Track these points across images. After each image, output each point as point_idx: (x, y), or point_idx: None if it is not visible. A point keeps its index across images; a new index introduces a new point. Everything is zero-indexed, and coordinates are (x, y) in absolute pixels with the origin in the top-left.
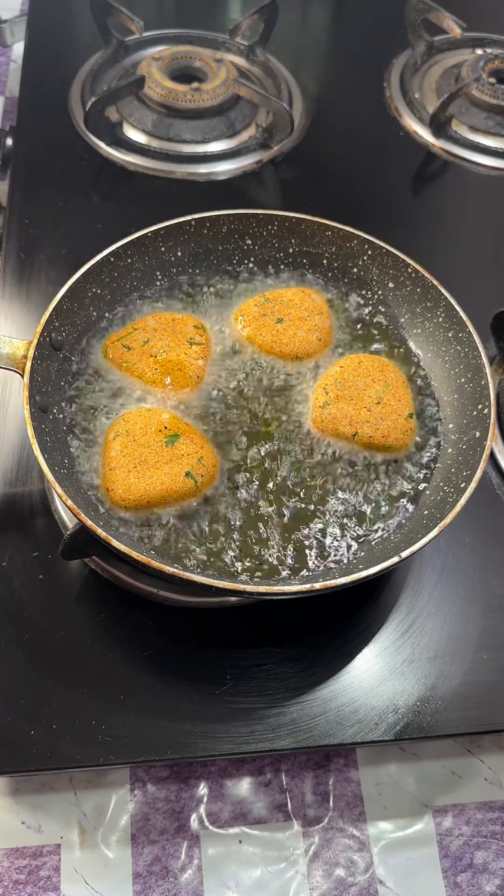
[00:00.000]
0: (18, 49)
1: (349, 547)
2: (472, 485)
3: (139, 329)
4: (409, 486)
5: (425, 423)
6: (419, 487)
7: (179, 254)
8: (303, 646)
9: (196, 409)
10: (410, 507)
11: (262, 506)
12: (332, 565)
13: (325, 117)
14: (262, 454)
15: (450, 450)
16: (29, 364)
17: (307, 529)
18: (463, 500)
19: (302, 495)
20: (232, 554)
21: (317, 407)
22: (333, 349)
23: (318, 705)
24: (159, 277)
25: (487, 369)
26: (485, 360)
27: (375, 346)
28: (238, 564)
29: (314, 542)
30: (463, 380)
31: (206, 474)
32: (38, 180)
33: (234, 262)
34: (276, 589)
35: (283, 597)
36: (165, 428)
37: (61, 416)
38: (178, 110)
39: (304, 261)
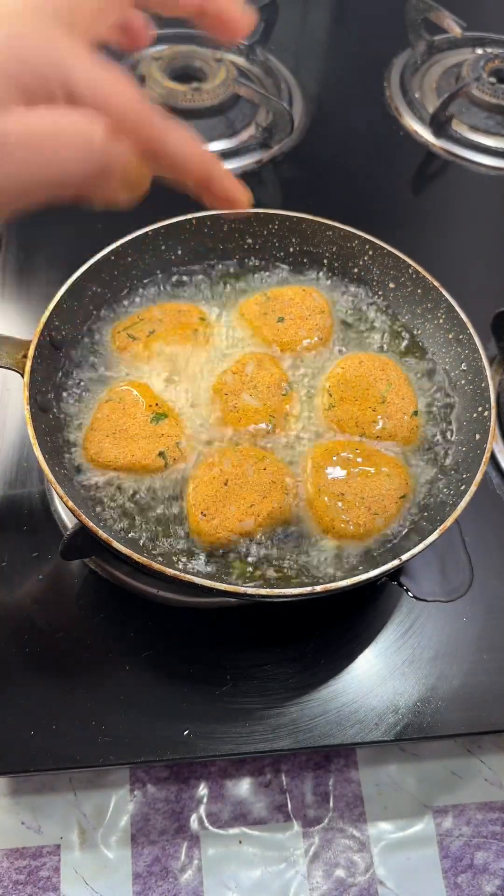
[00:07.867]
0: None
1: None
2: (473, 488)
3: (144, 319)
4: (409, 487)
5: (426, 425)
6: (419, 489)
7: (180, 252)
8: (303, 646)
9: (195, 402)
10: (410, 509)
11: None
12: (333, 567)
13: (325, 117)
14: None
15: (450, 451)
16: (29, 364)
17: (304, 528)
18: (463, 504)
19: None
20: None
21: (322, 409)
22: (334, 348)
23: (318, 706)
24: (160, 276)
25: (488, 371)
26: (485, 362)
27: (376, 346)
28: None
29: (314, 540)
30: (463, 381)
31: (179, 458)
32: None
33: (235, 260)
34: (277, 591)
35: (284, 599)
36: (156, 405)
37: (61, 415)
38: (178, 110)
39: (305, 260)
